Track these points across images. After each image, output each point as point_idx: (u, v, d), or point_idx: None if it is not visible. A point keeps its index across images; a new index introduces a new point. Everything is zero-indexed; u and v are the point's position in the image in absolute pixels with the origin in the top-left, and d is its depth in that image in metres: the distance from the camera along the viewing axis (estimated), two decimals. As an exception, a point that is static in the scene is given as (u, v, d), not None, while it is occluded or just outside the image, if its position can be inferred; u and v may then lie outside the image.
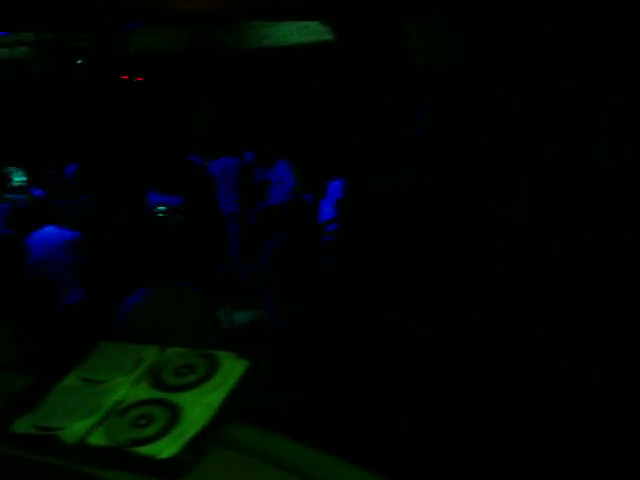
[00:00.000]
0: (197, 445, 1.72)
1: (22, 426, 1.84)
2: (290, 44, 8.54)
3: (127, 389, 1.89)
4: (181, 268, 4.25)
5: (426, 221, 4.43)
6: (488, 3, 4.24)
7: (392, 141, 7.03)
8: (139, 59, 7.96)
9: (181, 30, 7.94)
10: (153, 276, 4.00)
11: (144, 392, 1.88)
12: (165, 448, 1.71)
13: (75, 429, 1.79)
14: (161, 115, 8.02)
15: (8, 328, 4.36)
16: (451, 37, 5.72)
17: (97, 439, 1.77)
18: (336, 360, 3.73)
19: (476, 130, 4.44)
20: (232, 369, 1.91)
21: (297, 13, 7.24)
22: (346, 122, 8.02)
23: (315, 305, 4.50)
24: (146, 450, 1.72)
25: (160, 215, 6.24)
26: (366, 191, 6.39)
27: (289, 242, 4.66)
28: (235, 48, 8.20)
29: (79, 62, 7.28)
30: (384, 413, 3.31)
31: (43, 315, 4.31)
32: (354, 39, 6.87)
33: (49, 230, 5.57)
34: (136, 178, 6.71)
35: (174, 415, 1.78)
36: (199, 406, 1.79)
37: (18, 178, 6.64)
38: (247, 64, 8.48)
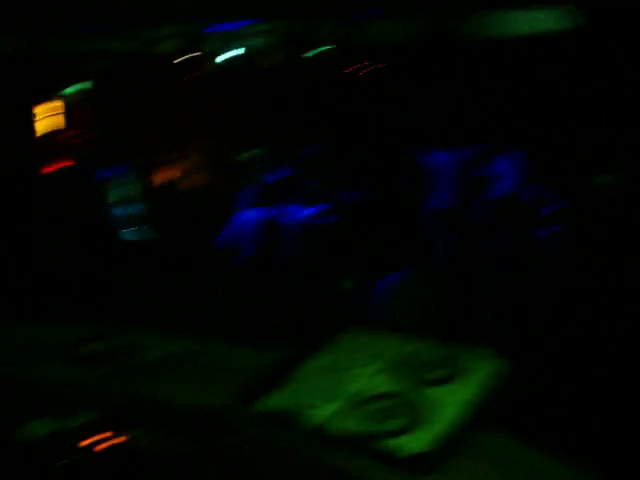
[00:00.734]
0: (444, 444, 1.64)
1: (265, 404, 1.87)
2: (521, 34, 8.18)
3: (379, 379, 1.85)
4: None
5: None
6: None
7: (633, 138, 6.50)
8: (370, 51, 8.09)
9: (412, 21, 7.92)
10: (400, 261, 4.00)
11: (389, 384, 1.83)
12: (410, 443, 1.65)
13: (325, 414, 1.78)
14: (388, 108, 8.05)
15: (238, 295, 4.61)
16: None
17: (338, 426, 1.75)
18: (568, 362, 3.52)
19: None
20: (481, 367, 1.81)
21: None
22: (582, 116, 7.55)
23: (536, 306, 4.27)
24: (390, 443, 1.67)
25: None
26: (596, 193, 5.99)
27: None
28: (467, 38, 8.02)
29: (311, 53, 7.58)
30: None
31: (277, 292, 4.50)
32: (608, 23, 6.44)
33: (295, 210, 5.75)
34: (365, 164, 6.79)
35: (420, 410, 1.72)
36: (448, 403, 1.71)
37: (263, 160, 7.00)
38: (476, 54, 8.28)
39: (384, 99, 7.89)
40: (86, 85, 9.35)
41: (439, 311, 3.68)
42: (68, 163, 9.12)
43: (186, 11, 6.48)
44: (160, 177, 7.02)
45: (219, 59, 7.69)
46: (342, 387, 1.85)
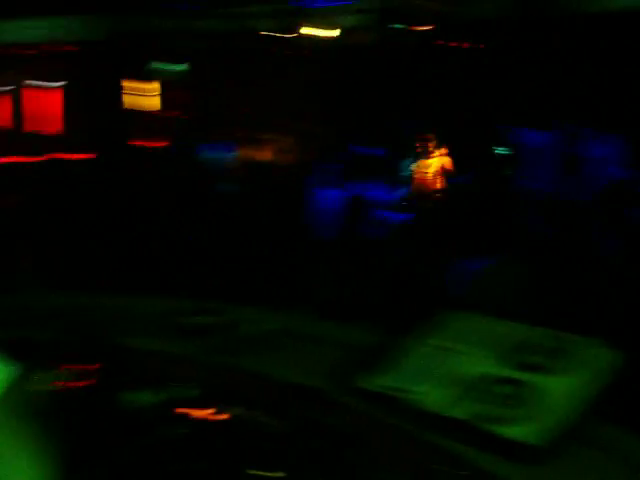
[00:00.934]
0: (555, 434, 1.58)
1: (374, 383, 1.85)
2: (624, 9, 7.82)
3: (485, 364, 1.80)
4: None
5: None
6: None
7: None
8: (466, 27, 7.86)
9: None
10: (495, 245, 3.89)
11: (504, 370, 1.77)
12: (521, 432, 1.60)
13: (429, 396, 1.75)
14: (484, 86, 7.81)
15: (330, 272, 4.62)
16: None
17: (451, 410, 1.71)
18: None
19: None
20: (593, 357, 1.74)
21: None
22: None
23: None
24: (504, 431, 1.62)
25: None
26: None
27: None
28: (567, 12, 7.70)
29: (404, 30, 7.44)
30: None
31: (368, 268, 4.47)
32: None
33: (384, 189, 5.72)
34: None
35: (531, 398, 1.66)
36: (559, 392, 1.65)
37: None
38: (577, 30, 7.94)
39: (480, 77, 7.66)
40: (182, 63, 9.51)
41: (536, 297, 3.57)
42: (165, 140, 9.35)
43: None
44: (255, 155, 7.08)
45: (314, 37, 7.64)
46: (450, 370, 1.81)
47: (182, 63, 9.27)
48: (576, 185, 7.02)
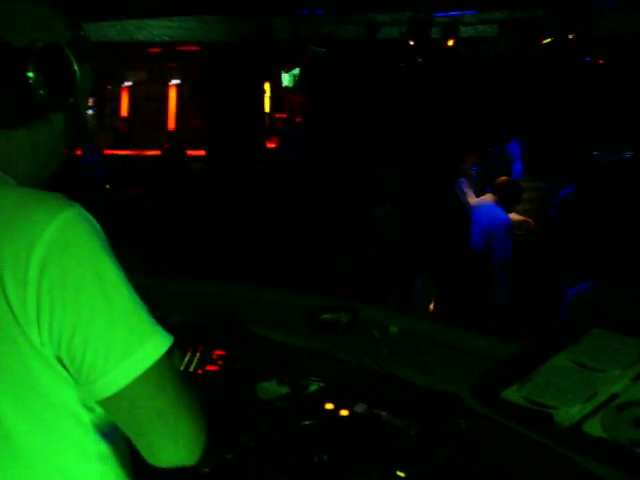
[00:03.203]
0: None
1: (513, 395, 1.84)
2: None
3: (626, 384, 1.76)
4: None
5: None
6: None
7: None
8: (603, 41, 7.61)
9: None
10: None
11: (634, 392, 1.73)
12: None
13: (570, 412, 1.73)
14: (615, 100, 7.52)
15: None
16: None
17: (592, 429, 1.68)
18: None
19: None
20: None
21: None
22: None
23: None
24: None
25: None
26: None
27: None
28: None
29: (546, 42, 7.27)
30: None
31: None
32: None
33: (491, 208, 5.62)
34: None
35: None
36: None
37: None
38: None
39: (611, 93, 7.35)
40: (298, 67, 9.65)
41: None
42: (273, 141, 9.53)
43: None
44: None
45: (438, 46, 7.60)
46: (594, 388, 1.77)
47: (298, 67, 9.41)
48: None
